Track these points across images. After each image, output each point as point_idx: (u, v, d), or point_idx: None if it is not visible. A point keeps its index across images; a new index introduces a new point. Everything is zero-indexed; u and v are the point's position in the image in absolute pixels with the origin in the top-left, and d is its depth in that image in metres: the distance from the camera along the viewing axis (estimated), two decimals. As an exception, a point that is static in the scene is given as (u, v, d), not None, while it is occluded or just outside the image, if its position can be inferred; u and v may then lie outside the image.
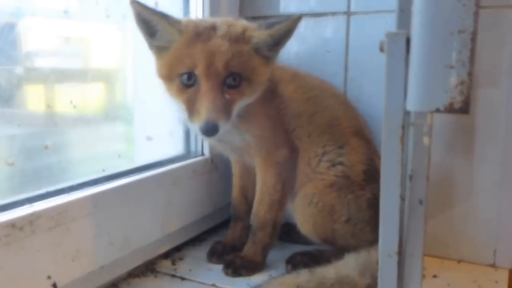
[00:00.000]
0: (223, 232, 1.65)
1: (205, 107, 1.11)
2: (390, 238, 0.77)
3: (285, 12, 1.69)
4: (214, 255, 1.45)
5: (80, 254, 1.12)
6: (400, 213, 0.79)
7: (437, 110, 0.64)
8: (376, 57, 1.54)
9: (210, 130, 1.11)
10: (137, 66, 1.48)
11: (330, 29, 1.62)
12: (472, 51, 0.61)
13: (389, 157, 0.75)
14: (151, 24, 1.16)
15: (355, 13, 1.58)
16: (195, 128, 1.15)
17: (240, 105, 1.20)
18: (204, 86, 1.13)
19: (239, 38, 1.16)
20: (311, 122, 1.38)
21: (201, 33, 1.14)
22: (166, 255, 1.48)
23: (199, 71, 1.13)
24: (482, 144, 1.40)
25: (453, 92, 0.62)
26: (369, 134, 1.48)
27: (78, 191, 1.15)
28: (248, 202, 1.50)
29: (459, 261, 1.47)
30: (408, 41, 0.67)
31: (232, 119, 1.18)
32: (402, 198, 0.79)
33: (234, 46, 1.14)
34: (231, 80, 1.15)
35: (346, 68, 1.61)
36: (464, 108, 0.63)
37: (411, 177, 0.80)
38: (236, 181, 1.53)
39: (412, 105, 0.66)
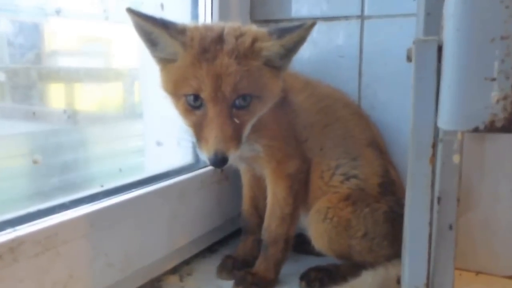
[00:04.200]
0: (234, 242, 1.60)
1: (214, 137, 1.03)
2: (417, 269, 0.70)
3: (296, 16, 1.62)
4: (224, 271, 1.38)
5: (73, 280, 1.03)
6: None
7: (476, 130, 0.56)
8: (391, 63, 1.49)
9: (219, 162, 1.04)
10: (146, 68, 1.41)
11: (343, 33, 1.56)
12: (517, 61, 0.54)
13: (417, 179, 0.68)
14: (152, 35, 1.08)
15: (369, 17, 1.51)
16: (203, 157, 1.08)
17: (250, 125, 1.13)
18: (212, 112, 1.05)
19: (248, 53, 1.06)
20: (324, 133, 1.32)
21: (207, 49, 1.05)
22: (174, 270, 1.42)
23: (205, 96, 1.05)
24: (501, 150, 1.33)
25: (495, 108, 0.55)
26: (384, 145, 1.42)
27: (71, 210, 1.05)
28: (259, 214, 1.44)
29: (477, 273, 1.41)
30: (440, 49, 0.60)
31: (242, 144, 1.10)
32: (430, 223, 0.72)
33: (243, 65, 1.05)
34: (241, 101, 1.07)
35: (360, 74, 1.55)
36: (507, 126, 0.55)
37: (439, 200, 0.73)
38: (246, 192, 1.47)
39: (445, 123, 0.58)
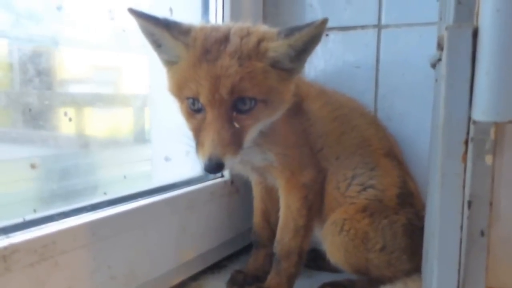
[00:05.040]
0: (244, 258, 1.54)
1: (209, 141, 0.98)
2: (447, 279, 0.65)
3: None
4: (234, 286, 1.33)
5: (72, 293, 0.97)
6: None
7: (517, 121, 0.51)
8: (409, 73, 1.46)
9: (213, 167, 0.99)
10: (155, 91, 1.40)
11: (360, 43, 1.52)
12: None
13: (448, 179, 0.63)
14: (155, 36, 1.04)
15: (387, 26, 1.48)
16: (200, 162, 1.03)
17: (254, 130, 1.08)
18: (209, 115, 1.00)
19: (251, 54, 1.01)
20: (340, 142, 1.27)
21: (209, 50, 1.00)
22: (181, 285, 1.36)
23: (202, 98, 1.00)
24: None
25: (538, 97, 0.51)
26: (401, 155, 1.37)
27: (71, 218, 1.00)
28: (271, 227, 1.39)
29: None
30: (475, 35, 0.55)
31: (242, 150, 1.05)
32: (461, 227, 0.67)
33: (245, 66, 0.99)
34: (242, 105, 1.02)
35: (376, 85, 1.51)
36: (550, 116, 0.51)
37: (470, 204, 0.67)
38: (257, 205, 1.42)
39: (481, 114, 0.54)
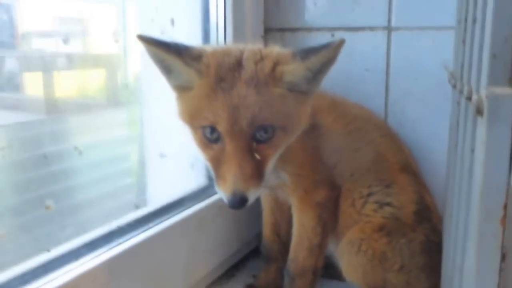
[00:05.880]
0: (250, 265, 1.53)
1: (232, 176, 0.93)
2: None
3: (314, 25, 1.53)
4: None
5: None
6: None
7: None
8: (421, 78, 1.41)
9: (237, 203, 0.94)
10: (147, 75, 1.32)
11: (369, 45, 1.46)
12: None
13: (486, 240, 0.60)
14: (166, 62, 0.98)
15: (397, 28, 1.42)
16: (222, 196, 0.98)
17: (274, 159, 1.03)
18: (229, 147, 0.95)
19: (268, 80, 0.96)
20: (354, 158, 1.23)
21: (224, 78, 0.95)
22: (193, 301, 1.34)
23: (221, 129, 0.95)
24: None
25: None
26: (416, 167, 1.34)
27: (87, 257, 0.96)
28: (281, 240, 1.37)
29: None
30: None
31: (264, 181, 1.00)
32: (498, 284, 0.64)
33: (263, 94, 0.94)
34: (262, 134, 0.97)
35: (387, 89, 1.46)
36: None
37: (504, 256, 0.64)
38: (266, 218, 1.38)
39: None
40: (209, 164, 1.01)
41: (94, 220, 1.13)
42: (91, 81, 1.30)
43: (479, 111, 0.56)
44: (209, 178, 1.43)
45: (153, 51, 0.96)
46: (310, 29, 1.54)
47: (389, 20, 1.43)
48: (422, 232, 1.20)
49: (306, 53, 0.96)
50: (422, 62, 1.40)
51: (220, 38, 1.38)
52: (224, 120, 0.93)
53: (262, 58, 0.98)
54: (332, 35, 1.51)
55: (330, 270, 1.36)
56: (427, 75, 1.40)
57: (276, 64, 0.97)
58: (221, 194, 0.97)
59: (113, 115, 1.36)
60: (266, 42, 1.56)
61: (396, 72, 1.44)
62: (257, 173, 0.96)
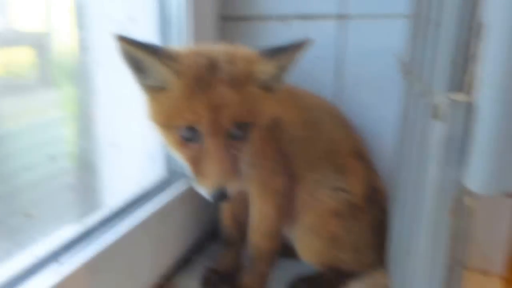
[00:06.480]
0: (207, 249, 1.58)
1: (214, 172, 0.97)
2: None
3: (269, 13, 1.55)
4: (209, 285, 1.36)
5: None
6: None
7: (511, 195, 0.55)
8: (372, 65, 1.46)
9: (221, 197, 0.98)
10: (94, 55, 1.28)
11: (321, 33, 1.50)
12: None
13: (439, 228, 0.67)
14: (141, 63, 0.98)
15: (349, 16, 1.47)
16: (203, 192, 1.01)
17: (247, 153, 1.07)
18: (210, 145, 0.98)
19: (243, 79, 0.99)
20: (310, 147, 1.29)
21: (202, 78, 0.97)
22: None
23: (203, 128, 0.97)
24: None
25: (531, 175, 0.54)
26: (367, 152, 1.41)
27: (69, 260, 0.99)
28: (240, 226, 1.41)
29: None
30: (469, 109, 0.57)
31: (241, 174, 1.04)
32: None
33: (240, 92, 0.98)
34: (237, 131, 1.00)
35: (339, 76, 1.51)
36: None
37: (452, 238, 0.72)
38: (225, 205, 1.42)
39: (478, 187, 0.56)
40: (186, 163, 1.03)
41: (32, 204, 1.11)
42: (20, 60, 1.20)
43: (436, 115, 0.62)
44: (169, 171, 1.46)
45: (131, 51, 0.96)
46: (264, 18, 1.56)
47: (341, 8, 1.47)
48: (372, 213, 1.29)
49: (275, 52, 1.01)
50: (373, 50, 1.45)
51: (180, 31, 1.37)
52: (206, 119, 0.96)
53: (234, 59, 1.01)
54: (286, 24, 1.54)
55: (286, 250, 1.43)
56: (378, 62, 1.45)
57: (248, 63, 1.01)
58: (203, 190, 1.00)
59: (46, 95, 1.27)
60: (222, 32, 1.57)
61: (348, 59, 1.49)
62: (235, 168, 1.00)
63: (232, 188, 0.99)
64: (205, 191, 0.99)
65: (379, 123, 1.50)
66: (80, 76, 1.29)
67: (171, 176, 1.45)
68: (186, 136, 0.99)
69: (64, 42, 1.28)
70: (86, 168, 1.31)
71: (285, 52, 1.00)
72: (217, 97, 0.96)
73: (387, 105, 1.46)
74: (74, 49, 1.29)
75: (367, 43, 1.46)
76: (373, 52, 1.46)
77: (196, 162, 1.00)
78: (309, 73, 1.52)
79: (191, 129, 0.98)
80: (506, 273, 1.41)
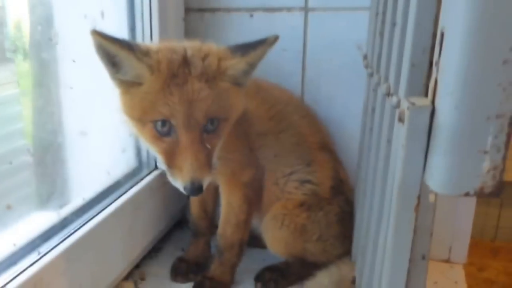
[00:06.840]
0: (175, 237, 1.62)
1: (189, 165, 0.99)
2: None
3: (234, 5, 1.55)
4: (179, 275, 1.38)
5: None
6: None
7: (467, 194, 0.60)
8: (336, 57, 1.49)
9: (195, 190, 1.00)
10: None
11: (286, 26, 1.52)
12: (509, 136, 0.56)
13: (403, 225, 0.71)
14: (116, 58, 0.99)
15: (314, 9, 1.49)
16: (177, 186, 1.03)
17: (219, 147, 1.09)
18: (184, 139, 1.00)
19: (215, 75, 1.02)
20: (277, 141, 1.32)
21: (176, 73, 0.99)
22: (128, 277, 1.39)
23: (177, 122, 0.99)
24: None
25: (485, 177, 0.58)
26: (332, 144, 1.45)
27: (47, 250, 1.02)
28: (208, 216, 1.44)
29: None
30: (431, 113, 0.60)
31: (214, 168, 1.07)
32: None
33: (213, 88, 1.01)
34: (210, 125, 1.03)
35: (303, 68, 1.54)
36: (495, 192, 0.59)
37: (415, 234, 0.77)
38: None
39: (438, 187, 0.60)
40: (160, 156, 1.05)
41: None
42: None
43: (400, 119, 0.65)
44: (140, 161, 1.47)
45: (106, 46, 0.96)
46: (229, 10, 1.57)
47: (306, 1, 1.49)
48: (337, 204, 1.33)
49: (245, 49, 1.04)
50: (336, 42, 1.48)
51: (146, 23, 1.37)
52: (180, 113, 0.98)
53: (206, 55, 1.03)
54: (251, 16, 1.55)
55: (252, 240, 1.46)
56: (341, 54, 1.48)
57: (220, 60, 1.03)
58: (177, 183, 1.03)
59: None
60: (187, 24, 1.57)
61: (313, 52, 1.52)
62: (208, 161, 1.03)
63: (207, 181, 1.02)
64: (180, 184, 1.02)
65: (343, 115, 1.53)
66: (36, 51, 1.21)
67: (141, 166, 1.47)
68: (160, 130, 1.01)
69: (21, 15, 1.20)
70: (45, 150, 1.25)
71: (254, 50, 1.03)
72: (191, 92, 0.98)
73: (351, 97, 1.50)
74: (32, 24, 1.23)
75: (331, 35, 1.48)
76: (338, 45, 1.49)
77: (170, 156, 1.02)
78: (276, 66, 1.53)
79: (166, 123, 1.00)
80: (467, 260, 1.50)
